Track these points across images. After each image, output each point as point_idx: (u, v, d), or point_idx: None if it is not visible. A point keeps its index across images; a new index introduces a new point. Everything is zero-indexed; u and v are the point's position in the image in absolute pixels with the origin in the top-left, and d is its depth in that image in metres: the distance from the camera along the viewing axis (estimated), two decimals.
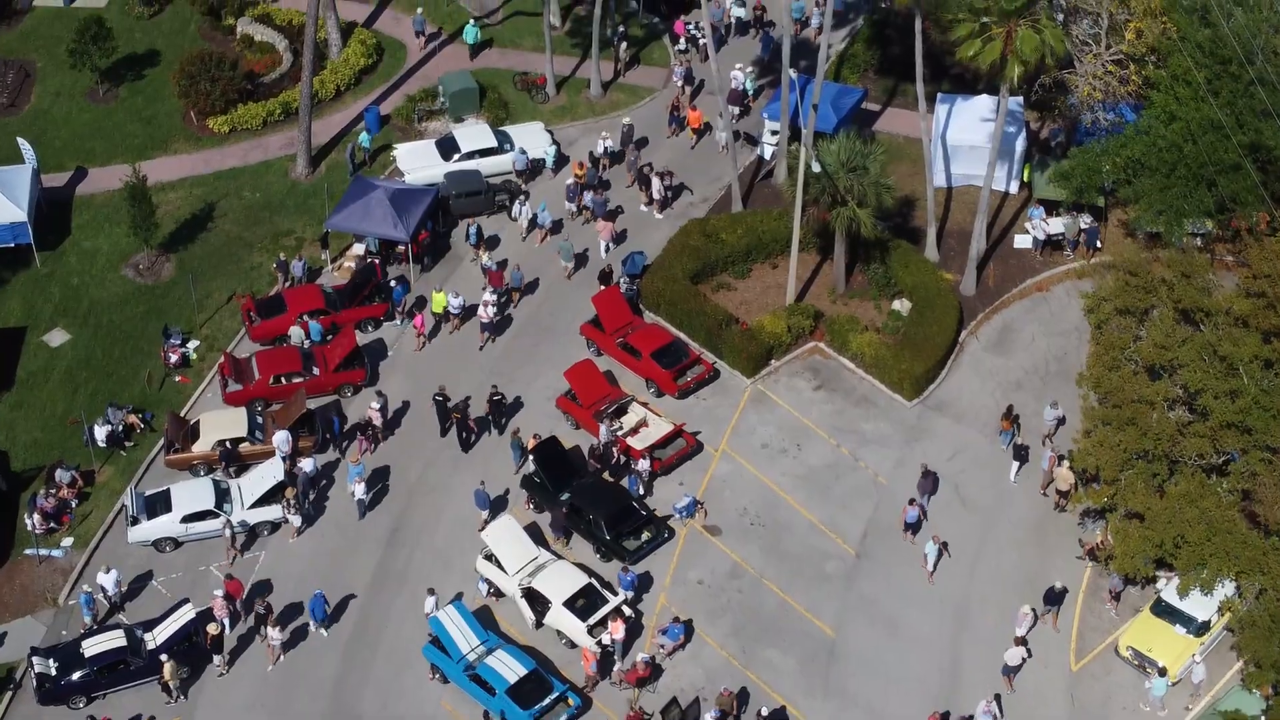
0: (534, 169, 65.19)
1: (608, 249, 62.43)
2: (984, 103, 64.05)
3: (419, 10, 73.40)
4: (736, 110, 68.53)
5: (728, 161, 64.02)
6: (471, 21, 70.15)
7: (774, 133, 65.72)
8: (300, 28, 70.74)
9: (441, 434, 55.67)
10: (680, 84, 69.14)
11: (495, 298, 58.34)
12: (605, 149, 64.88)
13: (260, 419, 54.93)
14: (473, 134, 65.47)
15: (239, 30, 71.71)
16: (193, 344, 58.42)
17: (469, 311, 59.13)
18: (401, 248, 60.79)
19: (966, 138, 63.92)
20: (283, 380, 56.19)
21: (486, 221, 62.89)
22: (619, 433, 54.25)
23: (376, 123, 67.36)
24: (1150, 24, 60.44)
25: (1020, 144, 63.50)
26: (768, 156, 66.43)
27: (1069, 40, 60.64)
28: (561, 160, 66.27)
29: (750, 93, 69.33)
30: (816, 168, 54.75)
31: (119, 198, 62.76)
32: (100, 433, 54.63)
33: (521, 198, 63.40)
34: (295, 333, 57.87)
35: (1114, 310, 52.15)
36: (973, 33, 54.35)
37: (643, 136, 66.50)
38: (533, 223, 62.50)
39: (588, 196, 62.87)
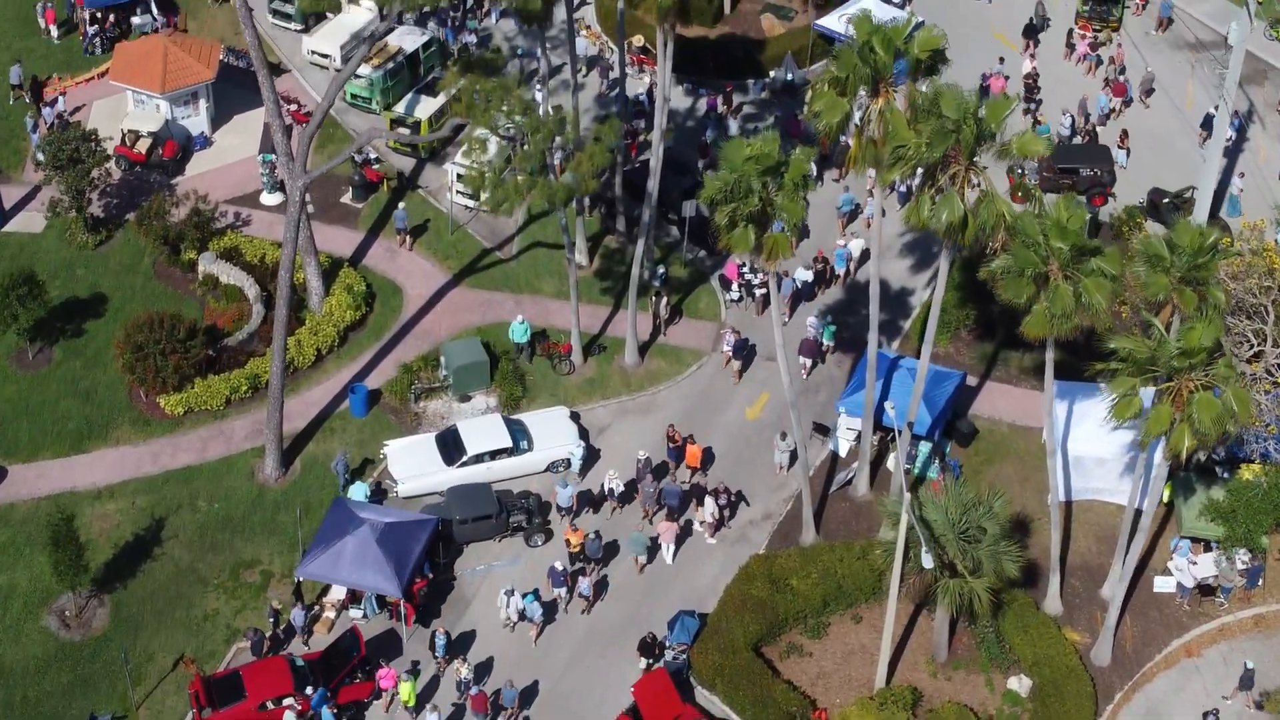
0: (580, 503, 52.53)
1: (674, 553, 51.06)
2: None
3: (401, 205, 61.39)
4: (809, 363, 56.48)
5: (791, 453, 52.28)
6: (519, 318, 56.90)
7: (851, 429, 53.59)
8: (274, 266, 58.50)
9: None
10: (728, 353, 56.72)
11: None
12: (611, 490, 52.24)
13: None
14: (481, 430, 53.18)
15: (201, 269, 59.40)
16: None
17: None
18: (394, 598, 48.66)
19: (1093, 448, 51.66)
20: None
21: (459, 616, 49.66)
22: None
23: (364, 404, 55.13)
24: None
25: (1160, 453, 51.13)
26: (843, 453, 54.22)
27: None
28: (592, 457, 54.03)
29: (829, 344, 57.27)
30: (929, 562, 42.42)
31: (46, 509, 50.89)
32: None
33: (539, 537, 51.32)
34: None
35: None
36: (1131, 390, 42.06)
37: (661, 463, 53.77)
38: (522, 615, 49.30)
39: (583, 584, 49.49)
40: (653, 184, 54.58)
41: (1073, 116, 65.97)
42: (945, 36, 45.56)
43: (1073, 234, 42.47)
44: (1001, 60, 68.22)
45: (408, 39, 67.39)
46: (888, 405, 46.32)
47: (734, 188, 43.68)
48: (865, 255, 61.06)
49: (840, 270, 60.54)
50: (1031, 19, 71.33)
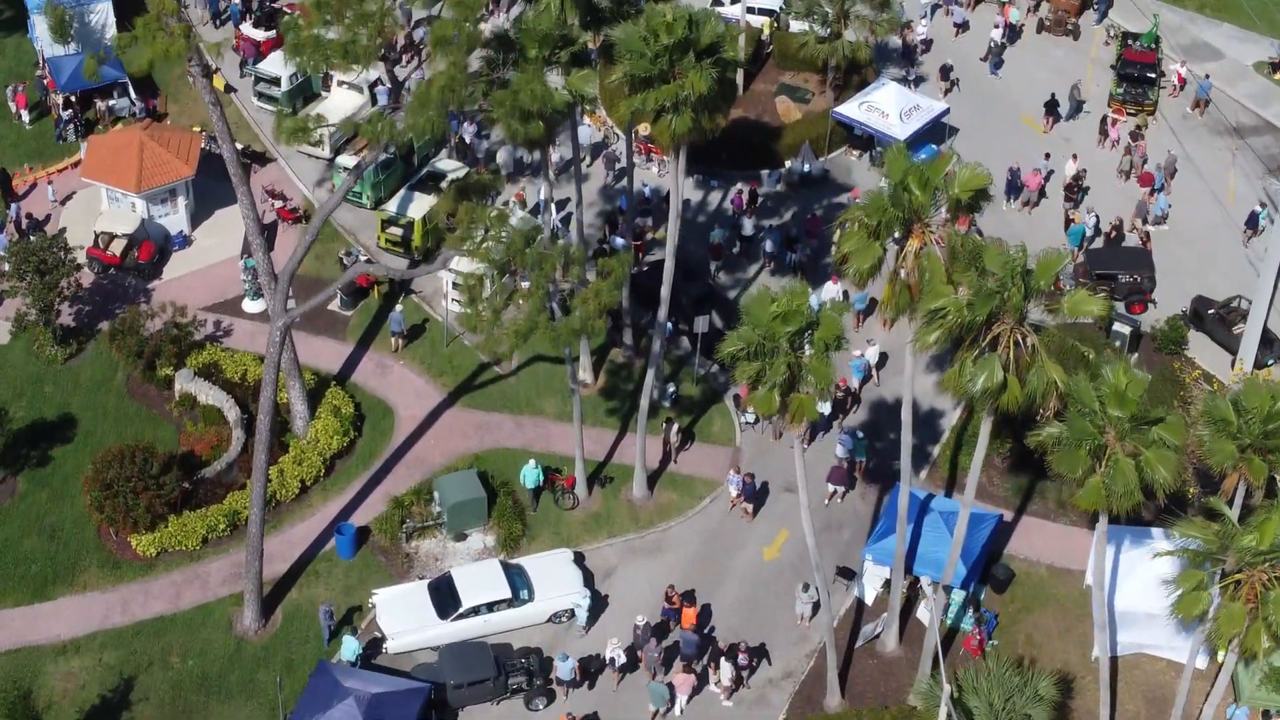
0: (587, 671, 48.20)
1: (682, 709, 47.05)
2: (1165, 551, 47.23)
3: (398, 308, 57.49)
4: (840, 490, 52.52)
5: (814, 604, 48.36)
6: (532, 463, 52.35)
7: (879, 577, 49.61)
8: (256, 384, 54.45)
9: None
10: (736, 495, 52.53)
11: None
12: (613, 660, 47.67)
13: None
14: (478, 578, 49.04)
15: (177, 386, 55.33)
16: None
17: None
18: None
19: (1142, 603, 47.45)
20: None
21: None
22: None
23: (351, 546, 51.04)
24: None
25: (1216, 598, 46.96)
26: (869, 601, 50.21)
27: None
28: (599, 605, 49.94)
29: (862, 460, 53.38)
30: None
31: (4, 670, 46.99)
32: None
33: (539, 700, 47.22)
34: None
35: None
36: (1199, 584, 37.99)
37: (661, 622, 49.14)
38: None
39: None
40: (663, 312, 50.54)
41: (1097, 216, 61.83)
42: (990, 176, 41.45)
43: (1132, 402, 38.41)
44: (1047, 156, 63.97)
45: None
46: (926, 584, 42.22)
47: (758, 349, 39.64)
48: (883, 361, 57.24)
49: (857, 381, 56.58)
50: (1053, 95, 67.34)
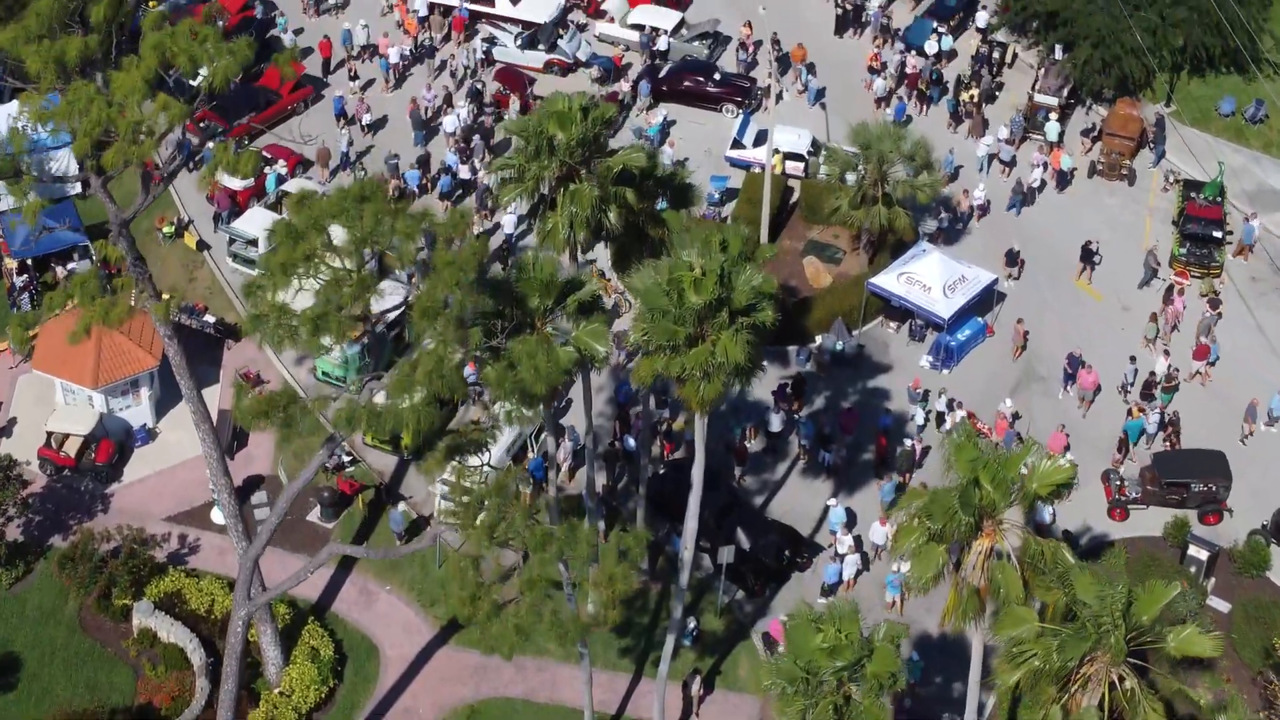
0: None
1: None
2: None
3: (400, 507, 51.42)
4: None
5: None
6: None
7: None
8: (224, 617, 48.29)
9: None
10: None
11: None
12: None
13: None
14: None
15: (135, 621, 49.13)
16: None
17: None
18: None
19: None
20: None
21: None
22: None
23: None
24: None
25: None
26: None
27: None
28: None
29: (915, 681, 47.39)
30: None
31: None
32: None
33: None
34: None
35: None
36: None
37: None
38: None
39: None
40: (684, 577, 44.32)
41: (1162, 413, 55.21)
42: (1075, 469, 35.26)
43: None
44: (1133, 359, 56.50)
45: (391, 299, 56.81)
46: None
47: (801, 687, 33.45)
48: None
49: (893, 598, 50.43)
50: (1090, 244, 60.78)
